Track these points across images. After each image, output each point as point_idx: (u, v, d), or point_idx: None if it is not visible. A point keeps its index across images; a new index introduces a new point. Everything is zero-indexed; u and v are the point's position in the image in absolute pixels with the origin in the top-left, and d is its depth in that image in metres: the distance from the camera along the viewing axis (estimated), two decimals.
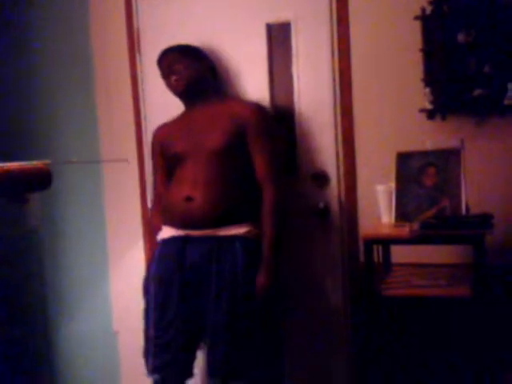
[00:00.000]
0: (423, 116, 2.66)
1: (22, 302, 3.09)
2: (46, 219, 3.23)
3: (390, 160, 2.54)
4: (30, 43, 3.25)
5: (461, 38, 2.56)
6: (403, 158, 2.50)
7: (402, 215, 2.46)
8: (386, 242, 2.59)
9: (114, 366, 3.30)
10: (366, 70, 2.78)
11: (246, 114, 2.60)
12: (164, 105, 2.92)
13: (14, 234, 3.11)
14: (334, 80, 2.83)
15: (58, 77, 3.25)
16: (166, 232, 2.62)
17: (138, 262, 3.11)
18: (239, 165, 2.59)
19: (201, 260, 2.51)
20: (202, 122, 2.64)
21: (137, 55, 3.12)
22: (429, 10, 2.61)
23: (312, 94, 2.87)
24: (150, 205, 3.03)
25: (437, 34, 2.59)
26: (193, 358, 2.59)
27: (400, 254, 2.64)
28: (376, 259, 2.50)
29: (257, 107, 2.66)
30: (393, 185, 2.51)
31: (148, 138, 2.90)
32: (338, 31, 2.80)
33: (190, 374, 2.59)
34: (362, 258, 2.52)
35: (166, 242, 2.61)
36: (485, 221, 2.34)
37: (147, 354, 2.59)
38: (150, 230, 2.77)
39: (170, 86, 2.72)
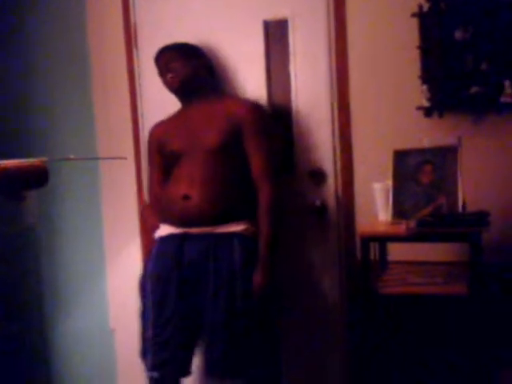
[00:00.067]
0: (420, 113, 2.66)
1: (19, 299, 3.09)
2: (43, 217, 3.23)
3: (387, 157, 2.54)
4: (27, 40, 3.24)
5: (458, 35, 2.56)
6: (400, 156, 2.50)
7: (398, 213, 2.46)
8: (383, 240, 2.59)
9: (111, 363, 3.30)
10: (364, 68, 2.78)
11: (243, 112, 2.60)
12: (161, 102, 2.91)
13: (11, 232, 3.11)
14: (331, 77, 2.82)
15: (54, 73, 3.25)
16: (164, 230, 2.62)
17: (135, 259, 3.11)
18: (236, 163, 2.58)
19: (199, 257, 2.51)
20: (199, 120, 2.64)
21: (134, 51, 3.11)
22: (426, 7, 2.60)
23: (309, 92, 2.86)
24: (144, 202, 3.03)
25: (434, 31, 2.59)
26: (191, 355, 2.59)
27: (397, 251, 2.64)
28: (373, 257, 2.49)
29: (253, 106, 2.66)
30: (389, 182, 2.51)
31: (145, 136, 2.89)
32: (336, 28, 2.80)
33: (188, 372, 2.59)
34: (358, 255, 2.52)
35: (163, 239, 2.61)
36: (481, 219, 2.34)
37: (145, 352, 2.59)
38: (145, 228, 2.77)
39: (166, 83, 2.72)
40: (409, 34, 2.65)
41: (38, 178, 2.40)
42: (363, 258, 2.41)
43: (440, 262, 2.61)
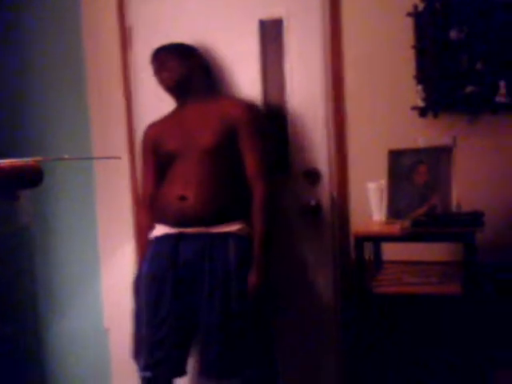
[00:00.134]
0: (415, 113, 2.65)
1: (13, 299, 3.08)
2: (38, 216, 3.22)
3: (382, 157, 2.54)
4: (22, 41, 3.23)
5: (453, 35, 2.56)
6: (395, 156, 2.50)
7: (393, 213, 2.46)
8: (377, 240, 2.59)
9: (105, 363, 3.29)
10: (359, 67, 2.78)
11: (237, 112, 2.60)
12: (156, 103, 2.90)
13: (5, 231, 3.10)
14: (326, 77, 2.82)
15: (49, 75, 3.24)
16: (159, 230, 2.61)
17: (129, 259, 3.10)
18: (231, 163, 2.58)
19: (194, 257, 2.51)
20: (194, 121, 2.64)
21: (129, 53, 3.11)
22: (421, 6, 2.60)
23: (304, 91, 2.86)
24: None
25: (429, 30, 2.59)
26: (186, 355, 2.59)
27: (391, 251, 2.64)
28: (367, 257, 2.49)
29: (247, 106, 2.66)
30: (384, 182, 2.51)
31: (139, 137, 2.88)
32: (331, 28, 2.80)
33: (182, 372, 2.59)
34: (353, 255, 2.52)
35: (159, 239, 2.60)
36: (475, 219, 2.34)
37: (138, 352, 2.58)
38: (139, 229, 2.75)
39: (161, 81, 2.72)
40: (404, 33, 2.65)
41: (32, 177, 2.39)
42: (357, 258, 2.41)
43: (434, 261, 2.61)
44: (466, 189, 2.46)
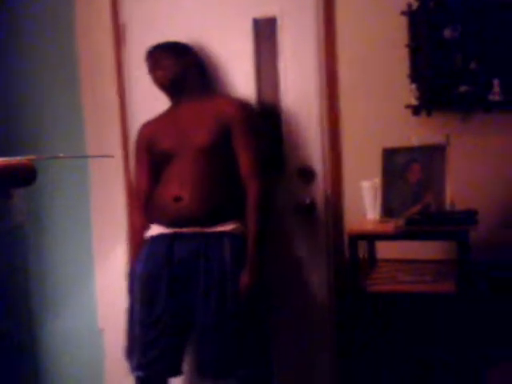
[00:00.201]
0: (409, 112, 2.65)
1: (7, 297, 3.07)
2: (32, 215, 3.21)
3: (376, 155, 2.54)
4: (15, 40, 3.22)
5: (447, 33, 2.56)
6: (388, 154, 2.50)
7: (387, 211, 2.47)
8: (371, 238, 2.59)
9: (99, 363, 3.28)
10: (353, 66, 2.78)
11: (231, 111, 2.60)
12: (150, 101, 2.89)
13: None
14: (320, 75, 2.82)
15: (43, 73, 3.23)
16: (154, 230, 2.61)
17: (124, 259, 3.08)
18: (225, 162, 2.59)
19: (189, 256, 2.51)
20: (188, 119, 2.63)
21: (122, 51, 3.10)
22: (415, 5, 2.60)
23: (298, 90, 2.86)
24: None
25: (423, 29, 2.59)
26: (181, 354, 2.59)
27: (385, 249, 2.64)
28: (361, 255, 2.49)
29: (241, 104, 2.66)
30: (378, 181, 2.51)
31: (134, 136, 2.87)
32: (325, 26, 2.79)
33: (177, 371, 2.59)
34: (347, 253, 2.52)
35: (154, 239, 2.60)
36: (469, 217, 2.34)
37: (131, 352, 2.58)
38: (132, 228, 2.74)
39: (155, 80, 2.71)
40: (398, 32, 2.65)
41: (26, 176, 2.39)
42: (351, 257, 2.41)
43: (428, 260, 2.61)
44: (459, 187, 2.46)
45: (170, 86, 2.69)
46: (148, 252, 2.59)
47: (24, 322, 3.13)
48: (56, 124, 3.23)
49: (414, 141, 2.54)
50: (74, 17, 3.17)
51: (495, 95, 2.52)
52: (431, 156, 2.45)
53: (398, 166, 2.48)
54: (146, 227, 2.65)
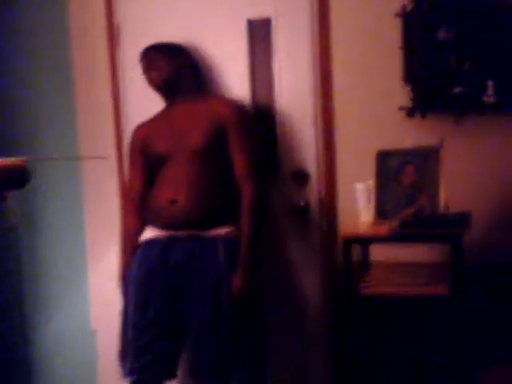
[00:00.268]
0: (403, 114, 2.65)
1: (0, 299, 3.06)
2: (25, 217, 3.19)
3: (370, 157, 2.53)
4: (9, 41, 3.20)
5: (441, 35, 2.56)
6: (382, 157, 2.49)
7: (381, 213, 2.46)
8: (365, 241, 2.58)
9: (92, 364, 3.28)
10: (347, 68, 2.78)
11: (226, 112, 2.59)
12: (144, 103, 2.88)
13: None
14: (314, 77, 2.82)
15: (37, 74, 3.20)
16: (149, 233, 2.60)
17: (117, 260, 3.07)
18: (220, 164, 2.58)
19: (184, 259, 2.50)
20: (183, 121, 2.63)
21: (117, 51, 3.09)
22: (409, 7, 2.60)
23: (292, 91, 2.86)
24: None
25: (417, 31, 2.59)
26: (176, 358, 2.57)
27: (379, 252, 2.63)
28: (355, 257, 2.49)
29: (236, 106, 2.66)
30: (372, 183, 2.50)
31: (128, 138, 2.86)
32: (319, 27, 2.79)
33: (172, 375, 2.58)
34: (341, 256, 2.51)
35: (148, 243, 2.59)
36: (463, 220, 2.34)
37: (124, 356, 2.57)
38: (125, 231, 2.73)
39: (150, 80, 2.71)
40: (392, 33, 2.65)
41: (19, 178, 2.38)
42: (345, 260, 2.41)
43: (422, 262, 2.61)
44: (453, 189, 2.46)
45: (164, 86, 2.68)
46: (142, 255, 2.58)
47: (17, 324, 3.12)
48: (49, 125, 3.21)
49: (408, 143, 2.53)
50: (68, 18, 3.17)
51: (489, 97, 2.52)
52: (425, 158, 2.45)
53: (391, 169, 2.47)
54: (139, 230, 2.64)
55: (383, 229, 2.37)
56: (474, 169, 2.62)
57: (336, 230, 2.81)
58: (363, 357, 2.47)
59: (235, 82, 2.90)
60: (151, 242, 2.58)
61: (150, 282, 2.53)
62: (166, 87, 2.68)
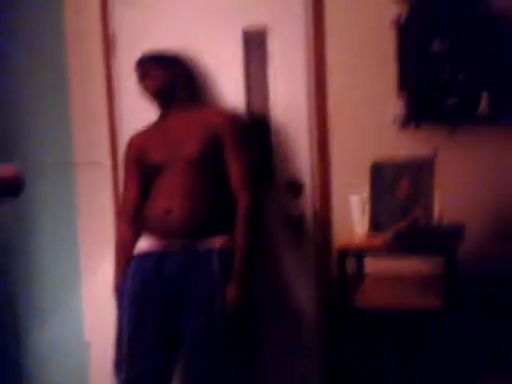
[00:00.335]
0: (397, 125, 2.64)
1: None
2: (18, 224, 3.19)
3: (365, 168, 2.53)
4: (4, 48, 3.20)
5: (435, 46, 2.56)
6: (377, 169, 2.49)
7: (375, 226, 2.46)
8: (360, 255, 2.58)
9: (84, 373, 3.27)
10: (342, 78, 2.78)
11: (221, 122, 2.60)
12: (139, 112, 2.88)
13: None
14: (309, 86, 2.82)
15: (32, 81, 3.20)
16: (144, 243, 2.60)
17: (111, 271, 3.07)
18: (215, 173, 2.58)
19: (178, 270, 2.50)
20: (178, 130, 2.63)
21: (112, 60, 3.09)
22: (404, 18, 2.60)
23: (288, 101, 2.86)
24: None
25: (411, 42, 2.59)
26: (170, 370, 2.56)
27: (373, 264, 2.64)
28: (349, 269, 2.49)
29: (231, 115, 2.66)
30: (366, 195, 2.51)
31: (123, 147, 2.86)
32: (314, 37, 2.79)
33: None
34: (335, 267, 2.52)
35: (142, 255, 2.59)
36: (456, 232, 2.35)
37: (119, 367, 2.56)
38: (120, 241, 2.73)
39: (144, 89, 2.71)
40: (387, 44, 2.65)
41: (13, 187, 2.38)
42: (340, 272, 2.41)
43: (416, 274, 2.61)
44: (447, 200, 2.46)
45: (159, 95, 2.68)
46: (137, 266, 2.58)
47: (10, 331, 3.11)
48: (44, 133, 3.20)
49: (402, 154, 2.54)
50: (64, 24, 3.16)
51: (483, 108, 2.52)
52: (419, 169, 2.45)
53: (386, 181, 2.47)
54: (134, 241, 2.63)
55: (377, 241, 2.37)
56: (469, 180, 2.63)
57: (330, 242, 2.80)
58: (358, 369, 2.47)
59: (230, 90, 2.90)
60: (145, 254, 2.58)
61: (144, 294, 2.52)
62: (161, 96, 2.68)
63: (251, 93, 2.91)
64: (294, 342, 2.92)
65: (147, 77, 2.68)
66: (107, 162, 3.11)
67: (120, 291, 2.61)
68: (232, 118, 2.64)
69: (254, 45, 2.89)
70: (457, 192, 2.58)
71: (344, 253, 2.42)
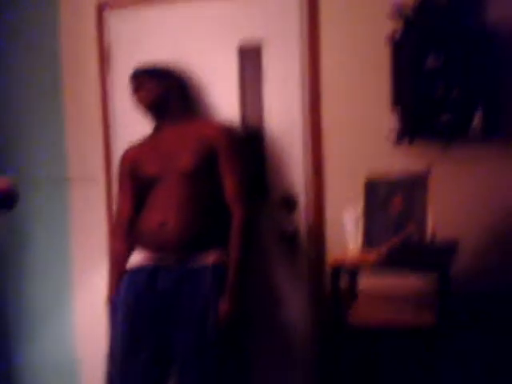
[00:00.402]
0: (391, 140, 2.65)
1: None
2: (12, 236, 3.18)
3: (359, 183, 2.53)
4: None
5: (430, 62, 2.57)
6: (370, 186, 2.48)
7: (368, 241, 2.45)
8: (353, 269, 2.57)
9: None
10: (336, 93, 2.78)
11: (215, 134, 2.60)
12: (133, 127, 2.89)
13: None
14: (303, 101, 2.82)
15: (26, 94, 3.21)
16: (138, 257, 2.59)
17: (103, 287, 3.06)
18: (210, 186, 2.58)
19: (172, 286, 2.49)
20: (172, 143, 2.63)
21: (107, 73, 3.09)
22: (399, 34, 2.60)
23: (282, 115, 2.86)
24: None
25: (406, 58, 2.60)
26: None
27: (367, 280, 2.62)
28: (343, 285, 2.48)
29: (225, 128, 2.66)
30: (359, 211, 2.50)
31: (116, 162, 2.86)
32: (309, 52, 2.80)
33: None
34: (328, 283, 2.51)
35: (135, 270, 2.58)
36: (450, 248, 2.34)
37: (111, 382, 2.54)
38: (114, 255, 2.72)
39: (138, 101, 2.71)
40: (382, 60, 2.66)
41: (7, 199, 2.38)
42: (333, 288, 2.39)
43: (410, 291, 2.60)
44: (441, 216, 2.45)
45: (153, 107, 2.69)
46: (130, 281, 2.57)
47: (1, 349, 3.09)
48: (39, 147, 3.20)
49: (396, 170, 2.53)
50: (59, 38, 3.16)
51: (477, 124, 2.52)
52: (413, 186, 2.44)
53: (379, 197, 2.46)
54: (127, 255, 2.63)
55: (371, 257, 2.36)
56: (463, 196, 2.62)
57: (324, 257, 2.80)
58: None
59: (225, 103, 2.91)
60: (139, 268, 2.57)
61: (137, 308, 2.52)
62: (155, 108, 2.69)
63: (246, 106, 2.92)
64: (286, 357, 2.91)
65: (141, 89, 2.69)
66: (101, 177, 3.11)
67: (113, 305, 2.60)
68: (227, 131, 2.64)
69: (250, 59, 2.90)
70: (451, 208, 2.58)
71: (338, 269, 2.41)
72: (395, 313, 2.42)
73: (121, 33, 3.06)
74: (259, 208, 2.81)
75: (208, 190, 2.57)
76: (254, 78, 2.89)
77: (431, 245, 2.35)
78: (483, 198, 2.60)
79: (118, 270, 2.63)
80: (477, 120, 2.53)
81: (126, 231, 2.67)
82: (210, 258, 2.51)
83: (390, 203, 2.45)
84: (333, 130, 2.79)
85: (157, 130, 2.73)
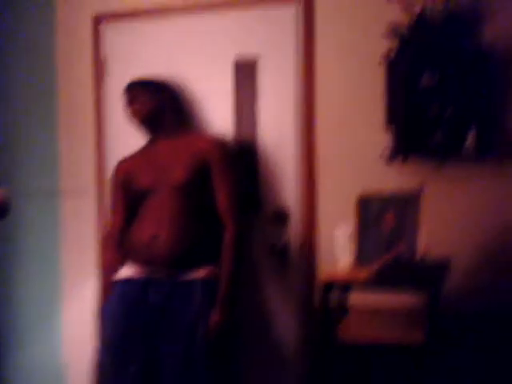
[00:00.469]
0: (384, 158, 2.65)
1: None
2: (2, 246, 3.17)
3: (351, 200, 2.52)
4: None
5: (424, 81, 2.57)
6: (363, 203, 2.48)
7: (360, 258, 2.44)
8: (344, 286, 2.56)
9: None
10: (330, 110, 2.79)
11: (208, 148, 2.60)
12: (127, 140, 2.89)
13: None
14: (297, 117, 2.82)
15: (20, 106, 3.21)
16: (129, 269, 2.58)
17: (92, 295, 3.05)
18: (202, 200, 2.58)
19: (161, 300, 2.49)
20: (165, 156, 2.63)
21: (102, 86, 3.10)
22: (393, 54, 2.61)
23: (276, 131, 2.87)
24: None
25: (401, 76, 2.60)
26: None
27: (358, 296, 2.61)
28: (333, 302, 2.47)
29: (218, 142, 2.66)
30: (352, 227, 2.49)
31: (109, 175, 2.86)
32: (304, 69, 2.81)
33: None
34: (319, 298, 2.49)
35: (126, 281, 2.57)
36: (441, 266, 2.34)
37: None
38: (105, 265, 2.71)
39: (132, 113, 2.71)
40: (376, 78, 2.67)
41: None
42: (323, 305, 2.39)
43: (400, 308, 2.59)
44: (434, 234, 2.45)
45: (146, 120, 2.69)
46: (120, 292, 2.56)
47: None
48: (31, 159, 3.20)
49: (389, 188, 2.53)
50: (55, 51, 3.18)
51: (470, 143, 2.53)
52: (405, 203, 2.44)
53: (372, 214, 2.46)
54: (118, 266, 2.62)
55: (362, 274, 2.36)
56: (456, 214, 2.62)
57: (315, 273, 2.79)
58: None
59: (219, 118, 2.91)
60: (129, 280, 2.56)
61: (126, 319, 2.51)
62: (148, 121, 2.69)
63: (240, 121, 2.93)
64: (276, 371, 2.89)
65: (135, 102, 2.70)
66: (93, 189, 3.11)
67: (102, 314, 2.59)
68: (220, 145, 2.65)
69: (245, 74, 2.91)
70: (444, 226, 2.58)
71: (329, 285, 2.40)
72: (385, 329, 2.41)
73: (116, 46, 3.07)
74: (251, 222, 2.81)
75: (201, 204, 2.58)
76: (249, 93, 2.90)
77: (422, 263, 2.35)
78: (476, 217, 2.60)
79: (109, 280, 2.63)
80: (470, 139, 2.53)
81: (118, 242, 2.66)
82: (201, 273, 2.50)
83: (383, 220, 2.44)
84: (326, 147, 2.79)
85: (151, 142, 2.74)
